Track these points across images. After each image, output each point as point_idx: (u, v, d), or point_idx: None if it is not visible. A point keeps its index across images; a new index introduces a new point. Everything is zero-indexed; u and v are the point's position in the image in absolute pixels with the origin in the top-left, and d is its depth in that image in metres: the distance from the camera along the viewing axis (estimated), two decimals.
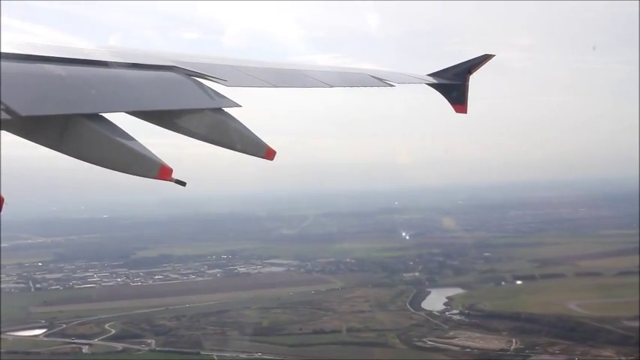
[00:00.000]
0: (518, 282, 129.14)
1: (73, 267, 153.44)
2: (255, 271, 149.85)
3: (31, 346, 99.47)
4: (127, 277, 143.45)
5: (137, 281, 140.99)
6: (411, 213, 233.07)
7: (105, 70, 6.96)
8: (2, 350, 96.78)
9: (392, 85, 11.96)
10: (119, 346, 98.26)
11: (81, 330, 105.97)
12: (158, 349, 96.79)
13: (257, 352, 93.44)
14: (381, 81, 11.85)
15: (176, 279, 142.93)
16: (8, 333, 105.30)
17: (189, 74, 7.80)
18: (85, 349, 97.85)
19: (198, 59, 8.72)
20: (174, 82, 7.53)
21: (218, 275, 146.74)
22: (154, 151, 6.05)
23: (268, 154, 7.43)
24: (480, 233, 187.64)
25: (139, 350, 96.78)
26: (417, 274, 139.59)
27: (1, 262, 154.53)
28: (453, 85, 13.99)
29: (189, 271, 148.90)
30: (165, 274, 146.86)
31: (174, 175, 5.98)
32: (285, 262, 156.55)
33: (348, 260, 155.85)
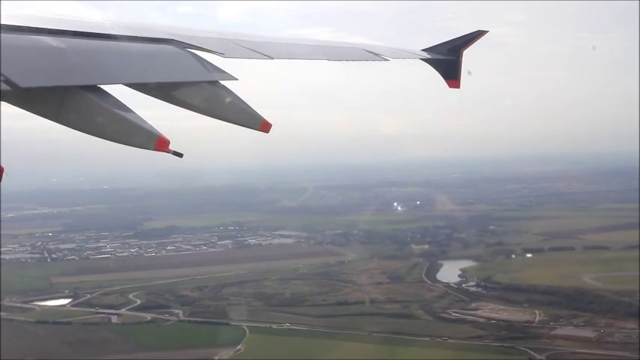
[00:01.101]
0: (528, 255, 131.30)
1: (84, 237, 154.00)
2: (266, 243, 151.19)
3: (60, 315, 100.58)
4: (140, 248, 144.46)
5: (150, 252, 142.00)
6: (409, 186, 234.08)
7: (103, 42, 7.08)
8: (32, 320, 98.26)
9: (386, 60, 12.12)
10: (147, 316, 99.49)
11: (106, 300, 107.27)
12: (187, 319, 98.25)
13: (285, 323, 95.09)
14: (375, 55, 11.99)
15: (188, 250, 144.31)
16: (34, 303, 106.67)
17: (187, 47, 7.92)
18: (114, 319, 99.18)
19: (195, 32, 8.89)
20: (172, 55, 7.67)
21: (229, 246, 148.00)
22: (150, 123, 6.18)
23: (264, 126, 7.55)
24: (480, 206, 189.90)
25: (168, 320, 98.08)
26: (426, 246, 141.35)
27: (13, 233, 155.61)
28: (447, 60, 14.12)
29: (199, 242, 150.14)
30: (176, 245, 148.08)
31: (171, 147, 6.12)
32: (293, 233, 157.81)
33: (356, 232, 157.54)
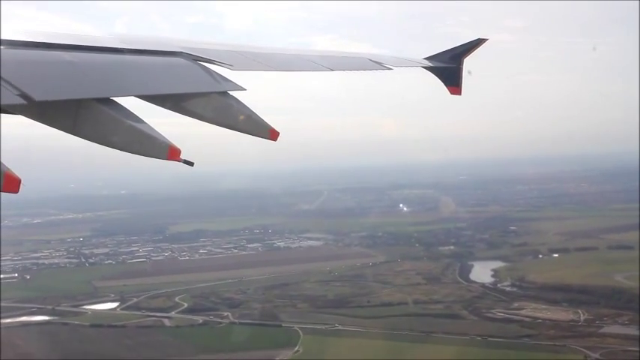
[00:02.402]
0: (555, 255, 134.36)
1: (115, 242, 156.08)
2: (295, 245, 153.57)
3: (112, 319, 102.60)
4: (172, 252, 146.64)
5: (184, 255, 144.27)
6: (421, 188, 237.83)
7: (115, 56, 7.27)
8: (87, 324, 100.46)
9: (390, 69, 12.38)
10: (198, 318, 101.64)
11: (154, 303, 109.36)
12: (238, 321, 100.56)
13: (335, 324, 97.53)
14: (379, 64, 12.24)
15: (220, 253, 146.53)
16: (84, 307, 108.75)
17: (196, 59, 8.12)
18: (167, 322, 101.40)
19: (204, 45, 9.08)
20: (182, 67, 7.83)
21: (259, 249, 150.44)
22: (161, 131, 6.34)
23: (272, 135, 7.71)
24: (494, 207, 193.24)
25: (220, 323, 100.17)
26: (452, 247, 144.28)
27: (45, 238, 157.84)
28: (448, 67, 14.42)
29: (229, 245, 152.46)
30: (207, 248, 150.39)
31: (182, 156, 6.27)
32: (320, 236, 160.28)
33: (380, 234, 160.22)
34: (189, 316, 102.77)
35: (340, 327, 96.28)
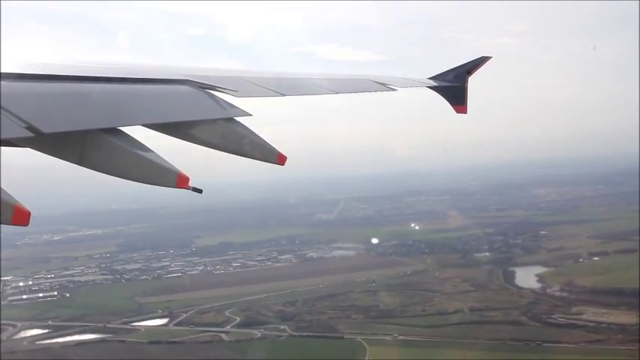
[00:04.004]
0: (595, 258, 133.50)
1: (144, 257, 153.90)
2: (328, 256, 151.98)
3: (168, 335, 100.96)
4: (206, 266, 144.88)
5: (219, 269, 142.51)
6: (436, 195, 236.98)
7: (121, 86, 7.32)
8: (144, 341, 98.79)
9: (394, 90, 12.49)
10: (256, 332, 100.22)
11: (205, 318, 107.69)
12: (297, 334, 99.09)
13: (396, 334, 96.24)
14: (383, 85, 12.36)
15: (254, 265, 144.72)
16: (135, 324, 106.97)
17: (202, 87, 8.17)
18: (225, 337, 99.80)
19: (209, 72, 9.22)
20: (188, 95, 7.90)
21: (293, 260, 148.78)
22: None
23: (279, 159, 7.71)
24: (517, 212, 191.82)
25: (280, 336, 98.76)
26: (487, 254, 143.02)
27: (72, 255, 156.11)
28: (454, 86, 14.56)
29: (262, 258, 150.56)
30: (240, 261, 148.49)
31: (191, 182, 6.26)
32: (350, 245, 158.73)
33: (411, 242, 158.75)
34: (246, 330, 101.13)
35: (404, 337, 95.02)
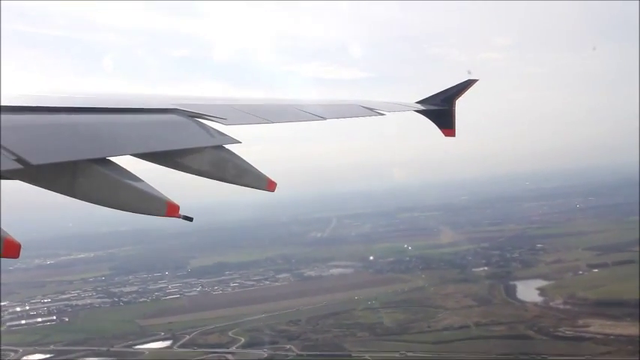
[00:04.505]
0: (595, 270, 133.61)
1: (140, 280, 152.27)
2: (326, 274, 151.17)
3: (174, 357, 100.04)
4: (203, 287, 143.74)
5: (217, 290, 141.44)
6: (428, 210, 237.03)
7: (110, 116, 7.38)
8: None
9: (382, 114, 12.64)
10: (263, 353, 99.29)
11: (209, 339, 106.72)
12: (305, 353, 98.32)
13: (407, 352, 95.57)
14: (371, 110, 12.54)
15: (252, 285, 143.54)
16: (138, 346, 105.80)
17: (190, 115, 8.23)
18: (231, 357, 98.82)
19: (197, 100, 9.32)
20: (177, 124, 7.93)
21: (291, 279, 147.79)
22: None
23: (269, 186, 7.81)
24: (510, 226, 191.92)
25: (287, 356, 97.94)
26: (486, 268, 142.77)
27: (66, 279, 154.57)
28: (441, 110, 14.72)
29: (259, 277, 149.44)
30: (237, 281, 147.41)
31: (181, 210, 6.33)
32: (347, 263, 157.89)
33: (407, 259, 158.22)
34: (253, 351, 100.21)
35: (413, 354, 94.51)
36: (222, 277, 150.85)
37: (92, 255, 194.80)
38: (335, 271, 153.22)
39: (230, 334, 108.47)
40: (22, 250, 4.82)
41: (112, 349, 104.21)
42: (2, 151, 5.19)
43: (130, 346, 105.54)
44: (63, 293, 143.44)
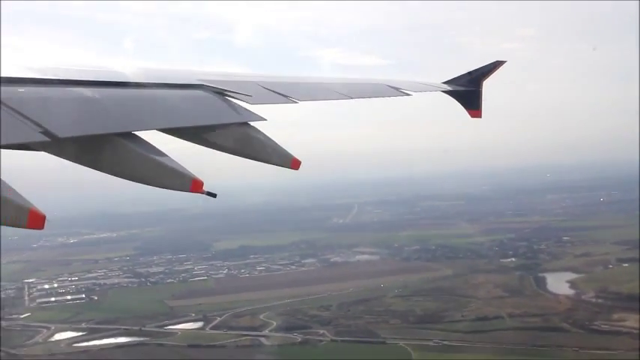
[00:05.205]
0: (625, 264, 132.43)
1: (165, 260, 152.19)
2: (353, 260, 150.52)
3: (206, 339, 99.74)
4: (230, 270, 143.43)
5: (244, 273, 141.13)
6: (450, 199, 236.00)
7: (136, 90, 7.37)
8: (184, 344, 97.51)
9: (409, 94, 12.49)
10: (297, 337, 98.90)
11: (241, 322, 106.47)
12: (338, 339, 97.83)
13: (438, 340, 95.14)
14: (398, 90, 12.34)
15: (279, 270, 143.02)
16: (170, 327, 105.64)
17: (216, 92, 8.24)
18: (265, 341, 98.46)
19: (223, 77, 9.22)
20: (203, 100, 7.98)
21: (317, 264, 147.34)
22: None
23: (293, 164, 7.79)
24: (535, 218, 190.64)
25: (322, 341, 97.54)
26: (513, 259, 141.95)
27: (90, 257, 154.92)
28: (468, 91, 14.53)
29: (285, 262, 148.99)
30: (264, 265, 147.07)
31: (205, 186, 6.29)
32: (372, 250, 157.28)
33: (434, 248, 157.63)
34: (286, 335, 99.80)
35: (448, 342, 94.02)
36: (248, 261, 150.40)
37: (115, 235, 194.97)
38: (361, 257, 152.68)
39: (261, 317, 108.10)
40: (45, 227, 4.74)
41: (143, 328, 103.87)
42: (29, 123, 5.19)
43: (161, 327, 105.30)
44: (89, 272, 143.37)
